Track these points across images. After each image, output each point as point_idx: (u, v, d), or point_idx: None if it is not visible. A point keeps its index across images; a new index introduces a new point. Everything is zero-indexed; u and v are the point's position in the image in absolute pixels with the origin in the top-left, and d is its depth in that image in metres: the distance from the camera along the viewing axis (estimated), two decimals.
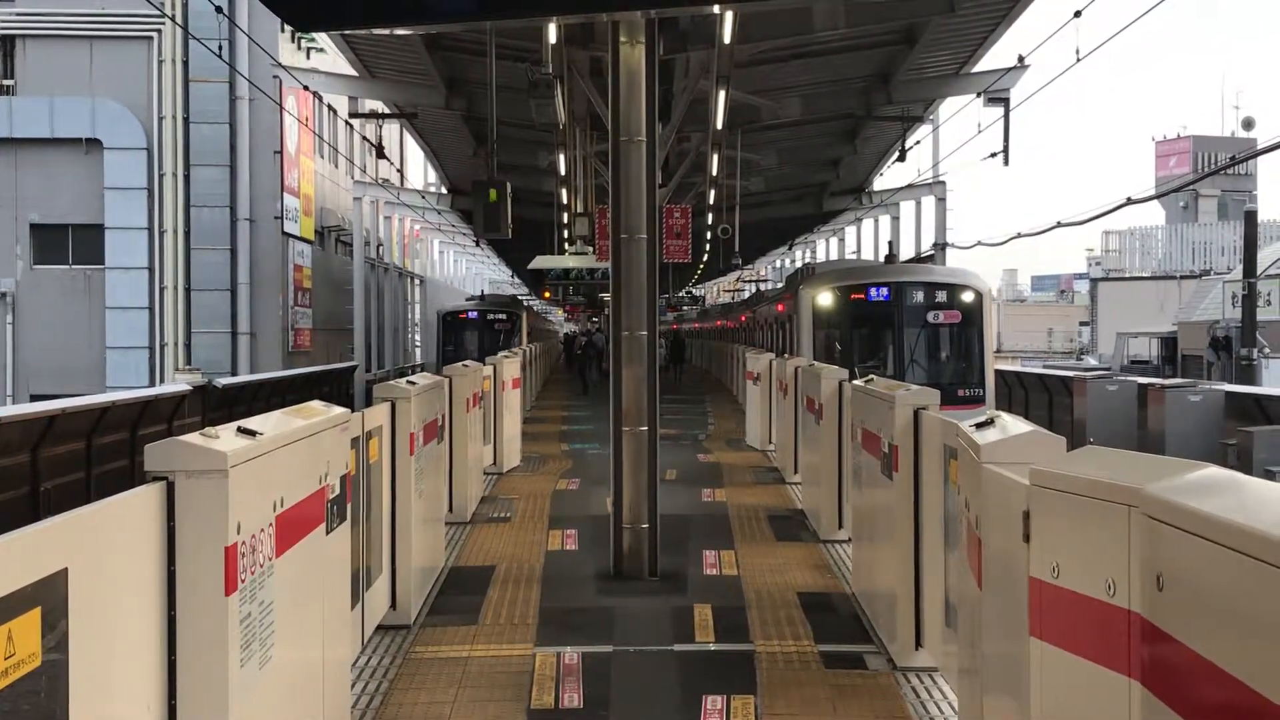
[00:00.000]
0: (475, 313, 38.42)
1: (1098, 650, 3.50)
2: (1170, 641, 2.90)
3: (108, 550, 3.46)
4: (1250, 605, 2.45)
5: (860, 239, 42.26)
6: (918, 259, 30.53)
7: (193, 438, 4.08)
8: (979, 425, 5.16)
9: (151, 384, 31.34)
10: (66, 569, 3.11)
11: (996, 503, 4.50)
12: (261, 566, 4.39)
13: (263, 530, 4.42)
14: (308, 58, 36.26)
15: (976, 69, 23.57)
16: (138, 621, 3.70)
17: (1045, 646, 3.87)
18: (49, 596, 3.01)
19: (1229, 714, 2.56)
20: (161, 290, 34.18)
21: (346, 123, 41.20)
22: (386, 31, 19.79)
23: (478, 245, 58.09)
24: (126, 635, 3.61)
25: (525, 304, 44.82)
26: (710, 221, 32.22)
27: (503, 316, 38.23)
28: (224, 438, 4.19)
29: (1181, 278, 61.42)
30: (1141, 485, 3.16)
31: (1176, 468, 3.34)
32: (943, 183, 31.62)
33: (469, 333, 37.30)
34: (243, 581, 4.16)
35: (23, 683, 2.86)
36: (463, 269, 74.37)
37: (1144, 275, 65.51)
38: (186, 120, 34.08)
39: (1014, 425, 4.95)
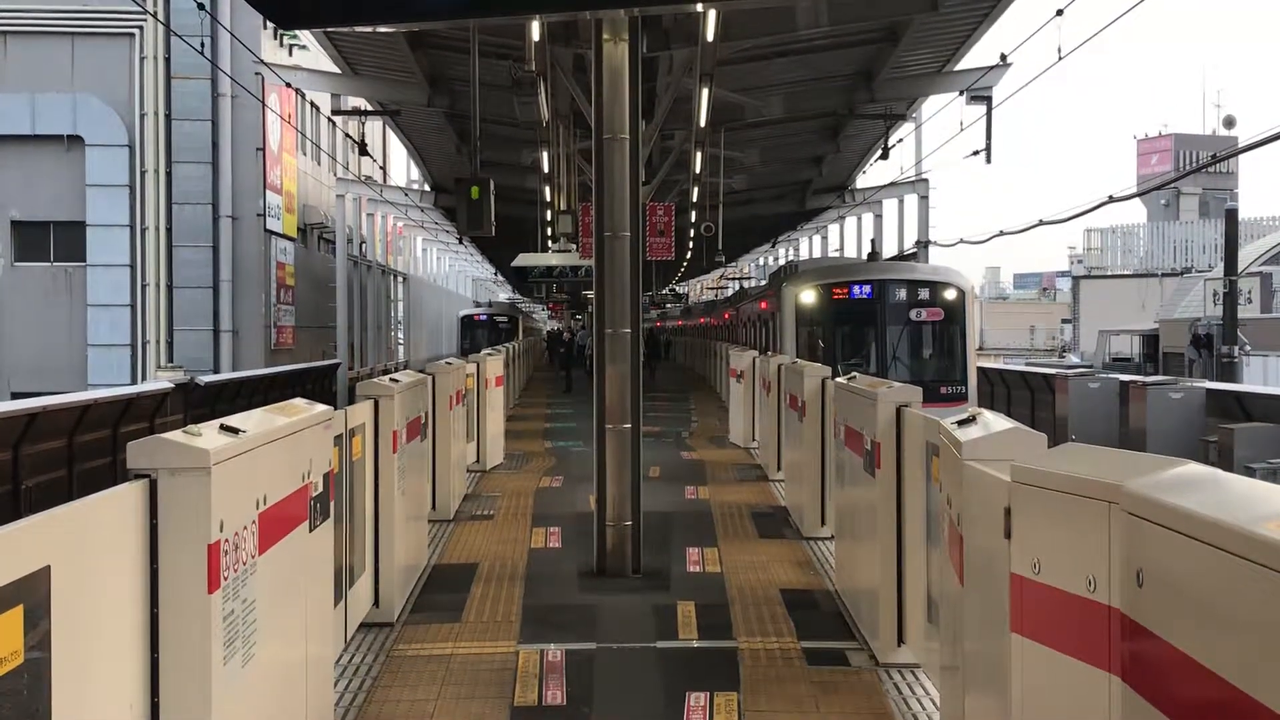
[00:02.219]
0: (485, 316, 53.97)
1: (1078, 646, 3.51)
2: (1150, 637, 2.92)
3: (90, 548, 3.46)
4: (1229, 601, 2.47)
5: (843, 237, 42.31)
6: (900, 257, 30.60)
7: (175, 435, 4.08)
8: (960, 422, 5.18)
9: (133, 382, 31.22)
10: (49, 567, 3.10)
11: (978, 499, 4.52)
12: (244, 564, 4.39)
13: (245, 528, 4.41)
14: (290, 54, 36.14)
15: (959, 67, 23.60)
16: (120, 619, 3.70)
17: (1026, 642, 3.89)
18: (31, 594, 3.00)
19: (1208, 709, 2.58)
20: (143, 288, 34.02)
21: (329, 120, 41.07)
22: (370, 29, 19.77)
23: (461, 243, 58.00)
24: (109, 633, 3.60)
25: (520, 309, 60.96)
26: (693, 219, 32.22)
27: (505, 319, 52.74)
28: (206, 435, 4.19)
29: (1163, 275, 61.71)
30: (1122, 482, 3.18)
31: (1156, 464, 3.35)
32: (925, 181, 31.67)
33: (480, 331, 50.95)
34: (225, 579, 4.15)
35: (4, 681, 2.85)
36: (446, 266, 74.19)
37: (1126, 273, 65.77)
38: (168, 117, 33.91)
39: (995, 422, 4.97)
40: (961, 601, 4.84)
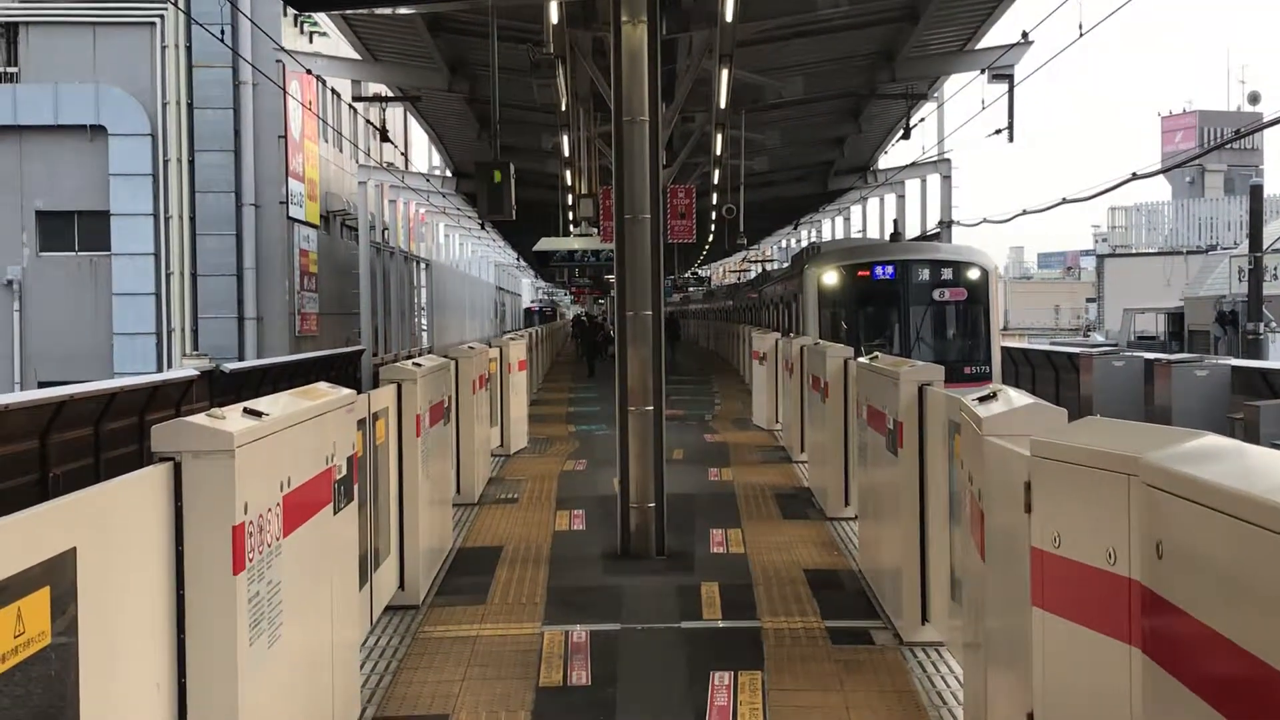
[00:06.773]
0: (538, 307, 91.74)
1: (1099, 619, 3.52)
2: (1170, 609, 2.92)
3: (116, 530, 3.49)
4: (1249, 571, 2.47)
5: (866, 218, 42.17)
6: (923, 237, 30.51)
7: (199, 418, 4.11)
8: (981, 399, 5.18)
9: (159, 370, 31.38)
10: (75, 549, 3.13)
11: (998, 474, 4.52)
12: (269, 546, 4.42)
13: (270, 510, 4.44)
14: (310, 41, 36.18)
15: (980, 45, 23.48)
16: (146, 600, 3.73)
17: (1047, 616, 3.89)
18: (57, 576, 3.03)
19: (1230, 681, 2.58)
20: (168, 276, 34.18)
21: (350, 106, 41.12)
22: (389, 10, 19.78)
23: (483, 228, 58.01)
24: (135, 614, 3.64)
25: (556, 300, 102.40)
26: (715, 202, 32.16)
27: (549, 308, 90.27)
28: (230, 418, 4.21)
29: (1188, 253, 61.22)
30: (1141, 454, 3.18)
31: (1175, 436, 3.35)
32: (948, 160, 31.52)
33: (535, 315, 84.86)
34: (250, 561, 4.18)
35: (32, 661, 2.89)
36: (469, 252, 74.26)
37: (1150, 251, 65.27)
38: (190, 106, 34.02)
39: (1016, 398, 4.97)
40: (983, 577, 4.84)
